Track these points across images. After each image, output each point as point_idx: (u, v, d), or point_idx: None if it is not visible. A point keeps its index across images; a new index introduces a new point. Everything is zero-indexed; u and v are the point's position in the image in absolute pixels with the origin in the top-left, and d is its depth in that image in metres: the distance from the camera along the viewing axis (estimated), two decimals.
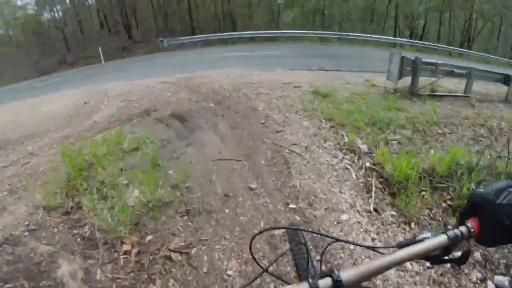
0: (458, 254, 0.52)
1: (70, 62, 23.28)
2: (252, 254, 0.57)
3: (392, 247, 0.54)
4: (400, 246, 0.51)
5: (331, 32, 17.69)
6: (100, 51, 18.29)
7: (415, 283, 1.82)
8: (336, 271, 0.44)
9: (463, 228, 0.52)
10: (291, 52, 12.50)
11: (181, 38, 17.64)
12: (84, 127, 5.32)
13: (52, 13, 26.47)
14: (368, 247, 0.78)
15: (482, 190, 0.53)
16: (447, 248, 0.50)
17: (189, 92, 5.70)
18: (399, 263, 0.48)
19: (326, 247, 0.73)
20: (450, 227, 0.52)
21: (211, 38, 17.71)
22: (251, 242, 0.57)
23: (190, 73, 7.69)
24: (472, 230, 0.52)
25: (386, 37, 18.96)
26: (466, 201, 0.55)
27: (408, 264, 1.62)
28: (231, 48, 15.19)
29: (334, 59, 10.37)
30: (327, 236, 0.63)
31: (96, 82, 9.23)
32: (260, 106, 4.72)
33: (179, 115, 4.55)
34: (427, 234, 0.52)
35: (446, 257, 0.51)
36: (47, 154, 4.47)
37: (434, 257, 0.51)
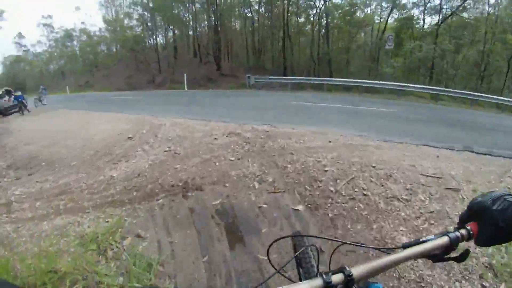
0: (458, 253, 0.56)
1: (158, 83, 24.83)
2: (268, 257, 0.67)
3: (398, 247, 0.58)
4: (405, 246, 0.55)
5: (445, 89, 14.42)
6: (185, 78, 18.58)
7: None
8: (347, 268, 0.47)
9: (463, 231, 0.57)
10: (405, 111, 8.98)
11: (269, 77, 16.59)
12: (97, 180, 3.85)
13: (154, 37, 29.59)
14: (375, 248, 0.69)
15: (480, 199, 0.58)
16: (448, 248, 0.54)
17: (264, 164, 3.62)
18: (404, 261, 0.52)
19: (335, 249, 0.75)
20: (451, 229, 0.57)
21: (303, 81, 16.15)
22: (268, 249, 0.66)
23: (272, 125, 5.69)
24: (471, 232, 0.56)
25: None
26: (466, 208, 0.60)
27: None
28: (326, 96, 12.99)
29: (468, 130, 6.76)
30: (334, 240, 0.69)
31: (163, 112, 8.33)
32: (399, 238, 2.22)
33: (231, 219, 2.42)
34: (431, 236, 0.55)
35: (447, 256, 0.55)
36: (20, 217, 3.08)
37: (436, 255, 0.55)
